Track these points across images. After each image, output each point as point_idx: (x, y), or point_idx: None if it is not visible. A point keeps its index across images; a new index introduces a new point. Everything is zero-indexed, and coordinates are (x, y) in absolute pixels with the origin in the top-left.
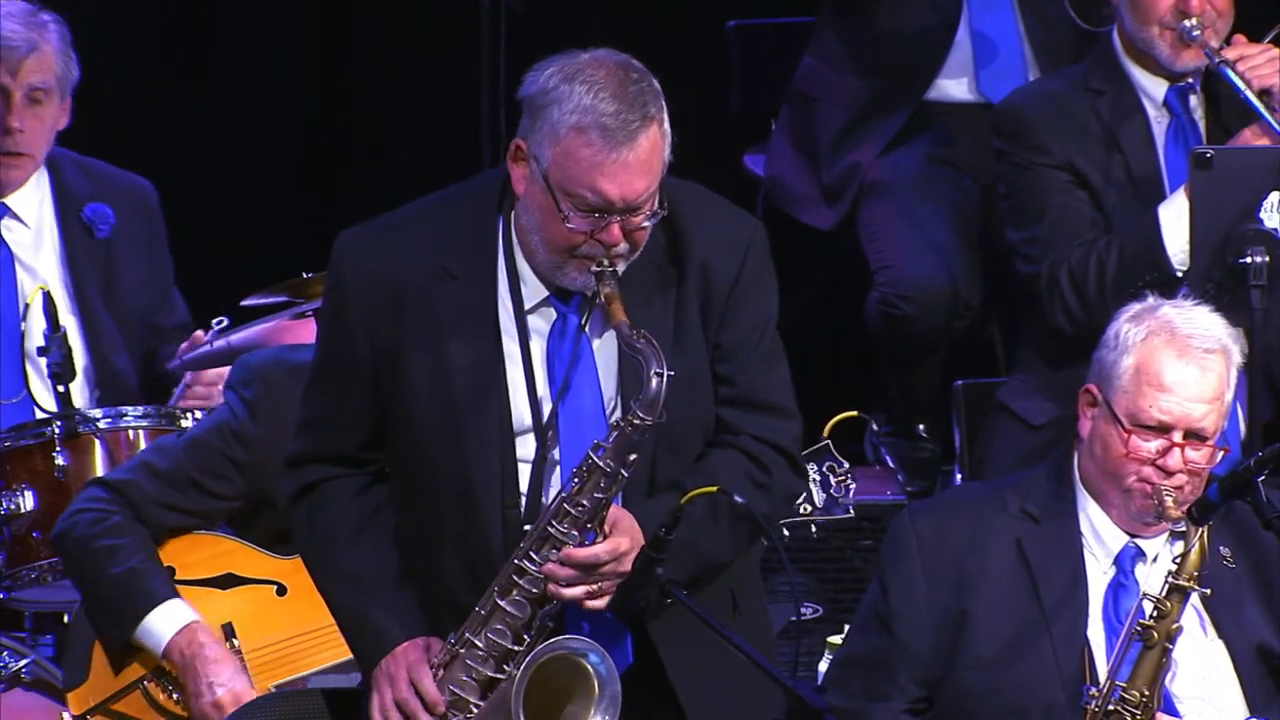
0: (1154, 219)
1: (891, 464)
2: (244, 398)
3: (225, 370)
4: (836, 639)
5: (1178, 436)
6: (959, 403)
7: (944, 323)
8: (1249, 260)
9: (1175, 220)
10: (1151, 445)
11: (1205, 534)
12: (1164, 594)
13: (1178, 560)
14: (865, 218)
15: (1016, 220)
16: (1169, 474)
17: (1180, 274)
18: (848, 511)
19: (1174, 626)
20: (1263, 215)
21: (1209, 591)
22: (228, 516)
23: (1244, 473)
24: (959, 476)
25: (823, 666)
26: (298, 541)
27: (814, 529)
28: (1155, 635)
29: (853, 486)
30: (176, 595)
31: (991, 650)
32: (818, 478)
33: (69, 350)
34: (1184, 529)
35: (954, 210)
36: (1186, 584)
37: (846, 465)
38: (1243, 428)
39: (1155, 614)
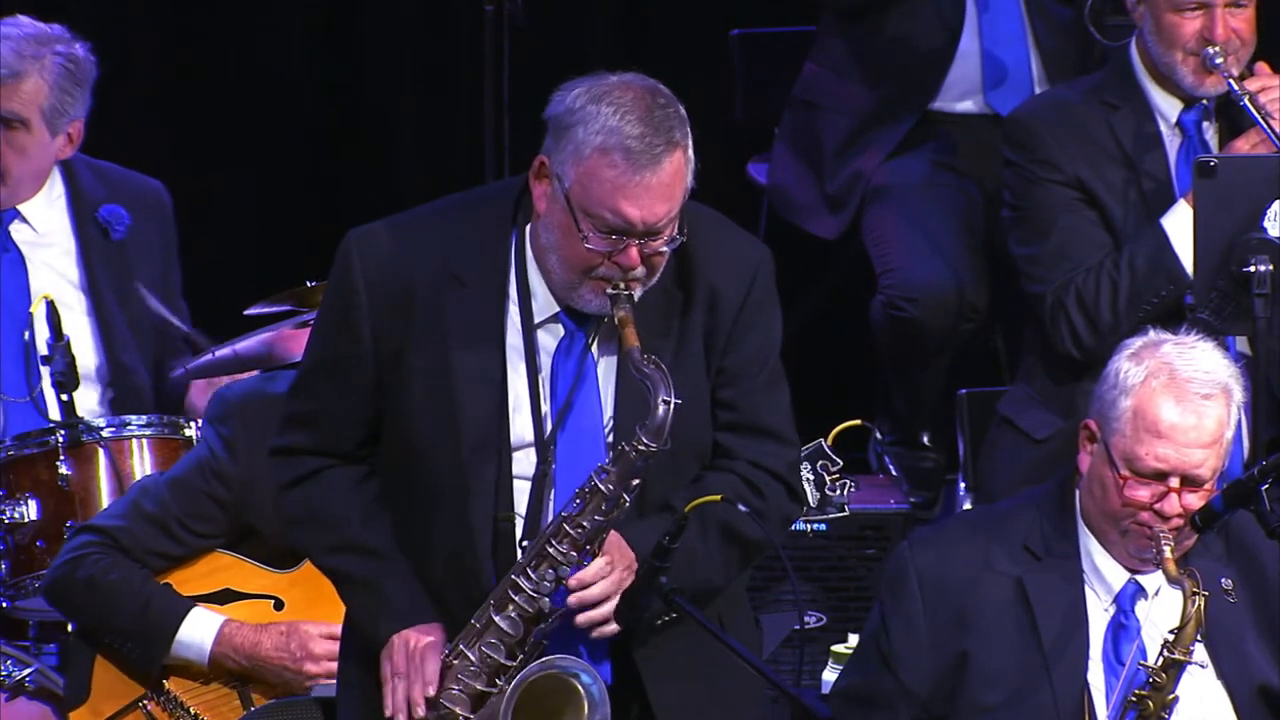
0: (1160, 231)
1: (895, 473)
2: (221, 435)
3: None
4: (840, 647)
5: (1174, 482)
6: (962, 412)
7: (949, 325)
8: (1253, 269)
9: (1183, 229)
10: (1148, 491)
11: (1202, 605)
12: (1159, 665)
13: (1173, 632)
14: (870, 222)
15: (1021, 234)
16: (1166, 518)
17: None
18: (843, 511)
19: (1169, 698)
20: (1267, 224)
21: (1205, 666)
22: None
23: (1248, 481)
24: (963, 486)
25: (826, 675)
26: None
27: (810, 530)
28: (1150, 706)
29: (848, 485)
30: (194, 604)
31: (992, 695)
32: (811, 477)
33: (72, 359)
34: (1182, 588)
35: (959, 214)
36: (1182, 658)
37: (840, 464)
38: (1246, 439)
39: (1151, 684)
